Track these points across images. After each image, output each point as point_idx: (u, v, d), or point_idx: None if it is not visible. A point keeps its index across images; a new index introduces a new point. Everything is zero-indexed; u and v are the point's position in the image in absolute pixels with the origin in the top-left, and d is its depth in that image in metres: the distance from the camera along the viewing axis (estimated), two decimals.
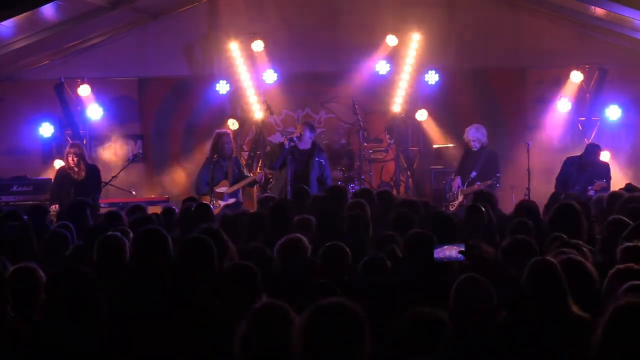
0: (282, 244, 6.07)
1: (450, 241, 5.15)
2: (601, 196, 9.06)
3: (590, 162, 11.40)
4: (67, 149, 11.34)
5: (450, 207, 11.71)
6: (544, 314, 4.49)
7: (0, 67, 13.32)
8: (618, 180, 11.80)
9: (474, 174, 11.73)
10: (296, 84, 13.77)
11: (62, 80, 13.24)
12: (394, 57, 13.61)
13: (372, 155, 13.54)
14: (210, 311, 4.72)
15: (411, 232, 5.85)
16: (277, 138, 13.61)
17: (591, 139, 12.90)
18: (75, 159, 11.06)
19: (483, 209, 7.37)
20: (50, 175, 12.06)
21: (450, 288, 4.68)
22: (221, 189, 11.30)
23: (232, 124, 13.32)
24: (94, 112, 13.57)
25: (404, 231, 6.11)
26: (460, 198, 11.73)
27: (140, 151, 13.02)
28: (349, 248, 5.83)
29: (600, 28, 13.22)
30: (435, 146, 13.76)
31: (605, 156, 12.59)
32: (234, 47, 13.53)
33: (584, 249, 5.88)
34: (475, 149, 11.89)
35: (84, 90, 13.44)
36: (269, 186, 11.75)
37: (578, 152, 11.81)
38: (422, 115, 13.59)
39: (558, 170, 11.70)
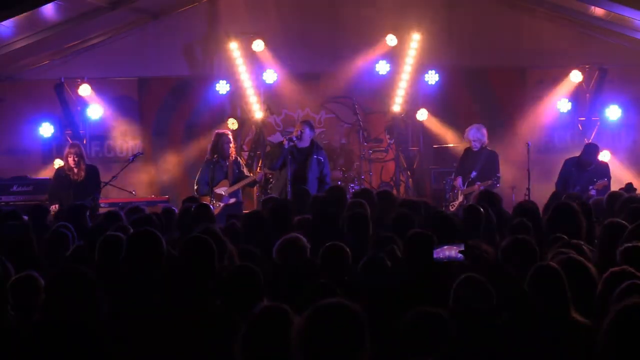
0: (281, 243, 6.07)
1: (450, 241, 5.15)
2: (599, 199, 9.05)
3: (589, 162, 11.41)
4: (67, 149, 11.33)
5: (450, 207, 11.70)
6: (544, 317, 4.49)
7: (0, 67, 13.32)
8: (618, 180, 11.81)
9: (474, 174, 11.73)
10: (296, 84, 13.77)
11: (62, 80, 13.24)
12: (393, 57, 13.62)
13: (372, 155, 13.55)
14: (210, 311, 4.72)
15: (411, 232, 5.84)
16: (277, 138, 13.61)
17: (591, 139, 12.91)
18: (75, 159, 11.07)
19: (482, 209, 7.36)
20: (51, 175, 12.05)
21: (450, 288, 4.68)
22: (221, 189, 11.30)
23: (232, 124, 13.32)
24: (94, 112, 13.58)
25: (404, 231, 6.11)
26: (460, 198, 11.73)
27: (140, 151, 13.00)
28: (349, 248, 5.82)
29: (600, 28, 13.23)
30: (435, 146, 13.77)
31: (605, 156, 12.61)
32: (234, 47, 13.53)
33: (585, 248, 5.89)
34: (476, 149, 11.89)
35: (84, 90, 13.45)
36: (269, 186, 11.74)
37: (578, 153, 11.82)
38: (422, 115, 13.60)
39: (558, 170, 11.71)
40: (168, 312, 4.80)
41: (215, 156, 11.35)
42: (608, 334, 3.50)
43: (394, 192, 12.59)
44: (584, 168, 11.40)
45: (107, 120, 13.78)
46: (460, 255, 4.89)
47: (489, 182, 11.46)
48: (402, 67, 13.63)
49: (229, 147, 11.43)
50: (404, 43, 13.55)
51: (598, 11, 12.48)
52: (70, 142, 12.22)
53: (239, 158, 11.95)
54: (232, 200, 11.28)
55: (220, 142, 11.38)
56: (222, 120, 13.42)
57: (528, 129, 13.63)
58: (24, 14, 11.12)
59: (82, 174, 11.08)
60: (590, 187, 11.09)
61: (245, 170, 11.85)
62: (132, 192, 12.18)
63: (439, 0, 13.74)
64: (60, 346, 4.33)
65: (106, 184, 11.65)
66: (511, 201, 11.64)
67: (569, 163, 11.63)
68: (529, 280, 4.63)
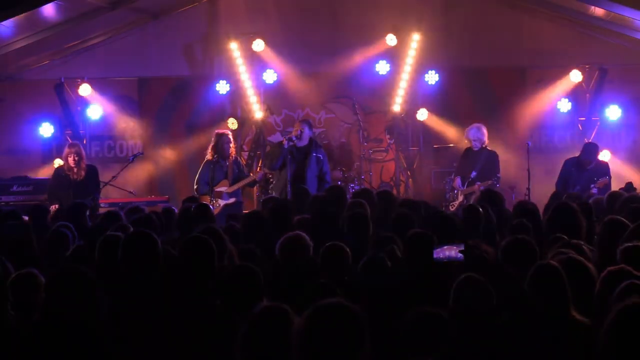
0: (283, 242, 6.05)
1: (450, 241, 5.15)
2: (600, 198, 9.06)
3: (589, 161, 11.44)
4: (67, 149, 11.33)
5: (450, 207, 11.70)
6: (544, 317, 4.49)
7: (0, 67, 13.32)
8: (618, 180, 11.81)
9: (474, 174, 11.73)
10: (296, 84, 13.77)
11: (62, 80, 13.24)
12: (394, 57, 13.62)
13: (372, 155, 13.55)
14: (210, 311, 4.72)
15: (411, 232, 5.84)
16: (277, 138, 13.61)
17: (591, 138, 12.91)
18: (76, 158, 11.07)
19: (481, 209, 7.37)
20: (50, 175, 12.04)
21: (450, 288, 4.68)
22: (221, 189, 11.30)
23: (232, 124, 13.31)
24: (94, 112, 13.58)
25: (404, 231, 6.11)
26: (460, 198, 11.73)
27: (140, 151, 13.00)
28: (349, 248, 5.82)
29: (600, 28, 13.23)
30: (435, 146, 13.77)
31: (605, 156, 12.61)
32: (234, 47, 13.53)
33: (585, 248, 5.88)
34: (476, 149, 11.90)
35: (84, 90, 13.45)
36: (270, 187, 11.73)
37: (578, 153, 11.83)
38: (422, 114, 13.60)
39: (558, 170, 11.72)
40: (168, 312, 4.80)
41: (215, 156, 11.35)
42: (608, 333, 3.51)
43: (394, 192, 12.60)
44: (584, 167, 11.42)
45: (107, 120, 13.77)
46: (460, 255, 4.89)
47: (489, 182, 11.46)
48: (402, 67, 13.62)
49: (229, 147, 11.43)
50: (404, 43, 13.55)
51: (598, 11, 12.48)
52: (70, 142, 12.22)
53: (239, 158, 11.94)
54: (232, 200, 11.28)
55: (220, 142, 11.38)
56: (222, 120, 13.41)
57: (528, 129, 13.63)
58: (24, 14, 11.12)
59: (82, 173, 11.09)
60: (592, 185, 11.10)
61: (245, 170, 11.86)
62: (132, 192, 12.18)
63: (439, 0, 13.73)
64: (60, 346, 4.33)
65: (106, 184, 11.65)
66: (511, 201, 11.63)
67: (569, 163, 11.65)
68: (529, 279, 4.63)
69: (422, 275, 5.41)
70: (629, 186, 10.62)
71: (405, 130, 13.76)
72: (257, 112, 13.64)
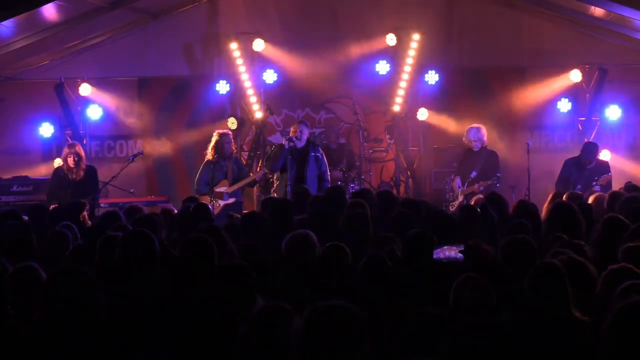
0: (290, 240, 6.02)
1: (450, 241, 5.15)
2: (601, 196, 9.06)
3: (589, 160, 11.46)
4: (66, 149, 11.33)
5: (450, 207, 11.71)
6: (545, 315, 4.49)
7: (0, 67, 13.32)
8: (619, 175, 11.84)
9: (474, 174, 11.74)
10: (296, 84, 13.77)
11: (62, 80, 13.24)
12: (394, 56, 13.61)
13: (372, 155, 13.55)
14: (210, 311, 4.72)
15: (411, 232, 5.85)
16: (277, 138, 13.61)
17: (591, 138, 12.91)
18: (75, 159, 11.07)
19: (478, 209, 7.36)
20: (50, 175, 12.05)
21: (450, 288, 4.68)
22: (221, 189, 11.30)
23: (232, 123, 13.30)
24: (94, 112, 13.58)
25: (404, 231, 6.11)
26: (460, 198, 11.73)
27: (140, 151, 13.00)
28: (348, 248, 5.82)
29: (600, 28, 13.22)
30: (435, 146, 13.77)
31: (605, 156, 12.61)
32: (234, 47, 13.53)
33: (585, 248, 5.88)
34: (476, 149, 11.90)
35: (84, 90, 13.45)
36: (272, 189, 11.68)
37: (578, 153, 11.85)
38: (422, 114, 13.59)
39: (558, 170, 11.73)
40: (167, 312, 4.80)
41: (215, 156, 11.35)
42: (609, 332, 3.51)
43: (394, 192, 12.59)
44: (584, 167, 11.44)
45: (107, 120, 13.77)
46: (460, 255, 4.89)
47: (489, 182, 11.47)
48: (402, 67, 13.61)
49: (230, 146, 11.43)
50: (404, 43, 13.54)
51: (598, 11, 12.47)
52: (70, 142, 12.22)
53: (239, 158, 11.93)
54: (232, 200, 11.27)
55: (220, 142, 11.38)
56: (222, 120, 13.40)
57: (528, 129, 13.63)
58: (24, 14, 11.11)
59: (81, 173, 11.09)
60: (594, 182, 11.10)
61: (245, 170, 11.85)
62: (132, 192, 12.18)
63: (439, 0, 13.73)
64: (60, 346, 4.33)
65: (106, 184, 11.65)
66: (511, 201, 11.63)
67: (569, 163, 11.67)
68: (529, 278, 4.62)
69: (422, 275, 5.41)
70: (629, 186, 10.61)
71: (405, 130, 13.77)
72: (257, 112, 13.64)
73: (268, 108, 13.48)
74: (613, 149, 13.21)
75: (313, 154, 11.34)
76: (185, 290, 4.99)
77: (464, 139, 12.18)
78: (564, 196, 8.86)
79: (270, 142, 13.52)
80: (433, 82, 13.55)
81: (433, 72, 13.49)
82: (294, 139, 11.27)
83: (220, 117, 13.60)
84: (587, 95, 13.49)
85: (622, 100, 13.39)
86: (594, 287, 4.84)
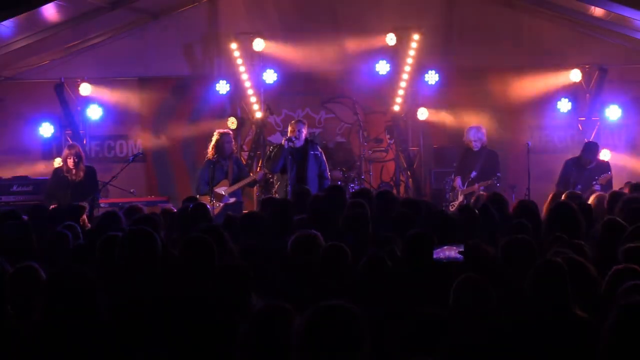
0: (296, 240, 6.01)
1: (450, 241, 5.15)
2: (602, 196, 9.06)
3: (589, 160, 11.47)
4: (66, 150, 11.31)
5: (450, 207, 11.71)
6: (546, 314, 4.49)
7: (1, 67, 13.32)
8: (620, 171, 11.85)
9: (474, 174, 11.74)
10: (296, 84, 13.77)
11: (62, 80, 13.26)
12: (394, 56, 13.61)
13: (372, 155, 13.55)
14: (210, 311, 4.72)
15: (411, 232, 5.84)
16: (277, 138, 13.60)
17: (591, 138, 12.92)
18: (75, 160, 11.06)
19: (476, 209, 7.36)
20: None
21: (450, 288, 4.68)
22: (221, 189, 11.30)
23: (232, 123, 13.31)
24: (94, 112, 13.58)
25: (404, 231, 6.11)
26: (460, 198, 11.73)
27: (140, 151, 13.00)
28: (348, 248, 5.82)
29: (600, 28, 13.22)
30: (435, 146, 13.77)
31: (605, 156, 12.61)
32: (234, 47, 13.53)
33: (585, 248, 5.89)
34: (476, 149, 11.90)
35: (85, 90, 13.46)
36: (274, 190, 11.68)
37: (578, 153, 11.85)
38: (422, 114, 13.59)
39: (558, 170, 11.73)
40: (167, 312, 4.80)
41: (215, 156, 11.34)
42: (610, 331, 3.51)
43: (394, 192, 12.59)
44: (585, 166, 11.45)
45: (107, 120, 13.78)
46: (460, 255, 4.89)
47: (489, 181, 11.47)
48: (402, 67, 13.62)
49: (230, 146, 11.43)
50: (404, 43, 13.54)
51: (598, 11, 12.46)
52: (70, 142, 12.21)
53: (239, 158, 11.93)
54: (232, 200, 11.27)
55: (221, 141, 11.37)
56: (222, 120, 13.40)
57: (528, 129, 13.63)
58: (24, 14, 11.11)
59: (81, 174, 11.08)
60: (594, 182, 11.10)
61: (245, 170, 11.85)
62: (132, 192, 12.18)
63: (439, 0, 13.73)
64: (60, 346, 4.33)
65: (106, 184, 11.64)
66: (511, 201, 11.63)
67: (569, 163, 11.67)
68: (530, 277, 4.62)
69: (422, 276, 5.41)
70: (632, 186, 10.60)
71: (405, 130, 13.77)
72: (257, 112, 13.64)
73: (268, 108, 13.48)
74: (613, 149, 13.21)
75: (312, 152, 11.34)
76: (185, 290, 4.98)
77: (464, 138, 12.19)
78: (563, 196, 8.86)
79: (270, 142, 13.52)
80: (433, 82, 13.55)
81: (433, 72, 13.49)
82: (293, 139, 11.27)
83: (220, 117, 13.60)
84: (587, 95, 13.49)
85: (622, 100, 13.39)
86: (594, 287, 4.84)
